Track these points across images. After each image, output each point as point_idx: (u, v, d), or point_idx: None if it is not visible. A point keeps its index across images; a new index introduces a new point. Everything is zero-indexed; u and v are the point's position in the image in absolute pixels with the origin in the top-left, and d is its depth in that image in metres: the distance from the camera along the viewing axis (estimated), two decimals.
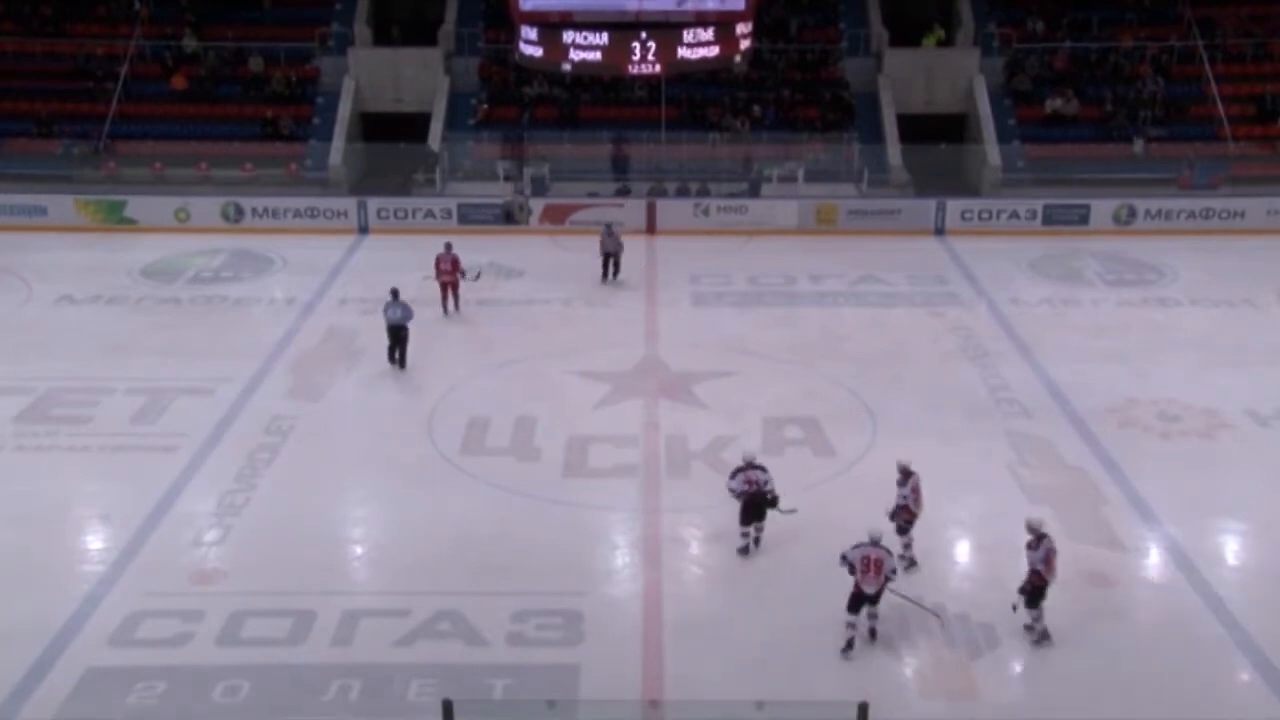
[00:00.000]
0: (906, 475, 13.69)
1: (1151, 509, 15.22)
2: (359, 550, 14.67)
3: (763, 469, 14.07)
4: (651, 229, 28.26)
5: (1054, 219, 28.45)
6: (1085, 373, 19.55)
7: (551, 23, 16.54)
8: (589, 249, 24.73)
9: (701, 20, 16.46)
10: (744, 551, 14.13)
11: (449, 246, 22.52)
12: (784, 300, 23.81)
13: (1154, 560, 14.33)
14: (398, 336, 19.76)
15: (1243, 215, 28.37)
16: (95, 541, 14.61)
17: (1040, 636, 12.45)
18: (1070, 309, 23.30)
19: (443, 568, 13.85)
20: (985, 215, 28.67)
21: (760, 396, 18.60)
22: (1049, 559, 12.20)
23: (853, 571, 12.20)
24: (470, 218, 28.13)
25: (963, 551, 14.60)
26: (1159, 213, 28.47)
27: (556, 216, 28.64)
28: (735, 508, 14.00)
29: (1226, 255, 26.32)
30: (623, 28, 16.24)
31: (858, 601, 12.22)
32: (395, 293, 19.88)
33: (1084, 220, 28.41)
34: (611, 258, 24.46)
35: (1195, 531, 14.72)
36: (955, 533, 14.84)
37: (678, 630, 12.69)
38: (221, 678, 11.86)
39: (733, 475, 14.10)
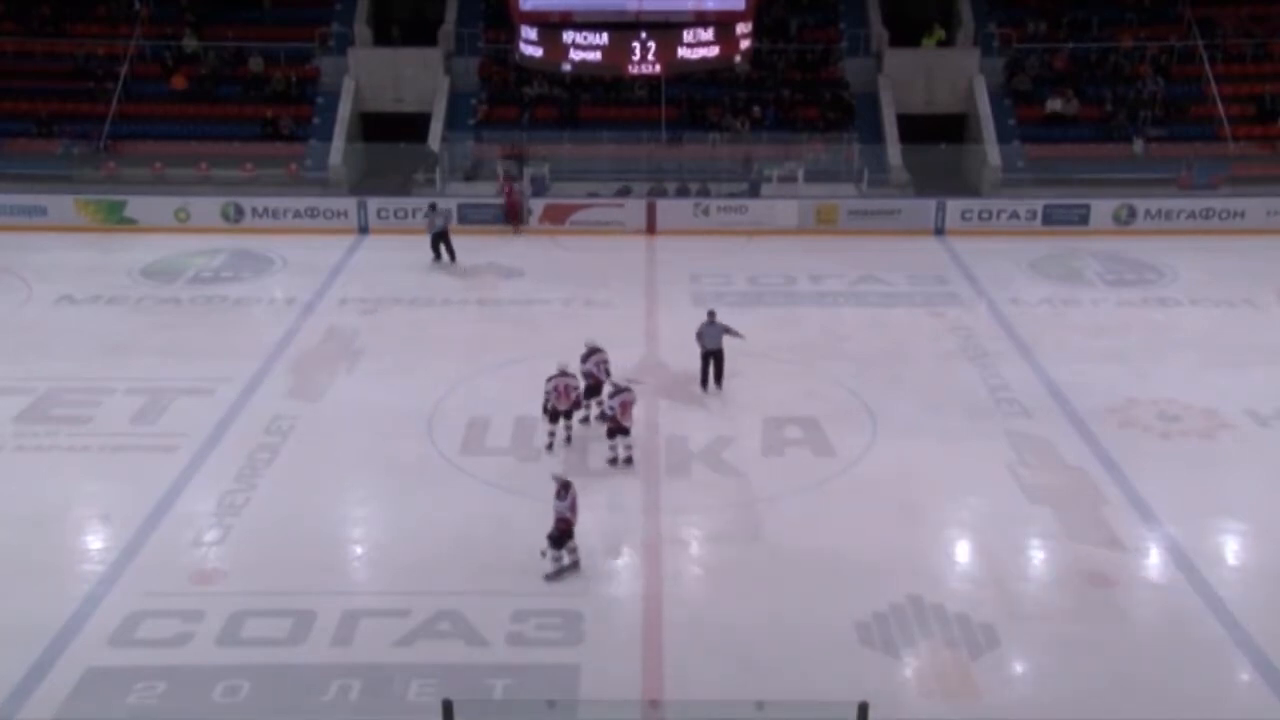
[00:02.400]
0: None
1: (1151, 509, 15.22)
2: (359, 550, 14.67)
3: (601, 350, 17.38)
4: (651, 229, 28.27)
5: (1054, 219, 28.45)
6: (1085, 373, 19.55)
7: (551, 23, 16.49)
8: (589, 249, 24.64)
9: (701, 20, 16.43)
10: (585, 422, 17.23)
11: (515, 181, 28.01)
12: (784, 300, 23.80)
13: (1154, 560, 14.33)
14: (441, 239, 25.17)
15: (1243, 215, 28.38)
16: (95, 541, 14.61)
17: (556, 573, 13.55)
18: (1070, 309, 23.29)
19: (443, 568, 13.84)
20: (985, 215, 28.66)
21: (760, 396, 18.59)
22: (574, 506, 13.59)
23: (548, 402, 16.36)
24: (470, 217, 28.11)
25: (963, 551, 14.58)
26: (1159, 213, 28.48)
27: (557, 216, 28.65)
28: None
29: (1226, 255, 26.31)
30: (623, 28, 16.18)
31: (555, 417, 16.52)
32: (433, 205, 25.56)
33: (1084, 220, 28.41)
34: (713, 357, 18.89)
35: (1195, 531, 14.72)
36: (955, 533, 14.84)
37: (678, 630, 12.69)
38: (221, 678, 11.86)
39: (583, 360, 17.15)
